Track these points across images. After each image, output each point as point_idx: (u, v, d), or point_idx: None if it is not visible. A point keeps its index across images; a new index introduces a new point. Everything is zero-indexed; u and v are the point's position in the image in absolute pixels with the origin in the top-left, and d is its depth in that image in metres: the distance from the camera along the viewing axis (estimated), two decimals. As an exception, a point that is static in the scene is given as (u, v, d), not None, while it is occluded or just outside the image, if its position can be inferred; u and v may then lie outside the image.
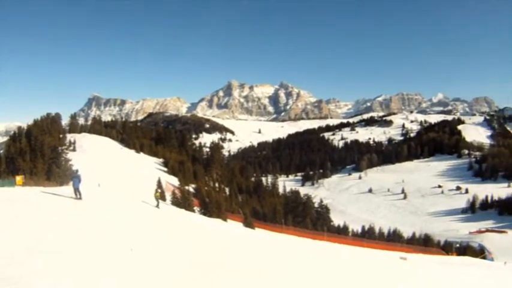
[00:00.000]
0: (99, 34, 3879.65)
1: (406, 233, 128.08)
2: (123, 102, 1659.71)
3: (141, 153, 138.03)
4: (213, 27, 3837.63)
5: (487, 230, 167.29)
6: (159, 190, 44.88)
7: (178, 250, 22.30)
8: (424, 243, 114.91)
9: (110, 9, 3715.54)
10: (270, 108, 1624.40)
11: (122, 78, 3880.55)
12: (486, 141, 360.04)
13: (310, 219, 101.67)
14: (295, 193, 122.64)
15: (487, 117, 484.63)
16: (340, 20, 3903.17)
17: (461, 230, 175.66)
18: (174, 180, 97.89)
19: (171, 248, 22.31)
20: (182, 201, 61.87)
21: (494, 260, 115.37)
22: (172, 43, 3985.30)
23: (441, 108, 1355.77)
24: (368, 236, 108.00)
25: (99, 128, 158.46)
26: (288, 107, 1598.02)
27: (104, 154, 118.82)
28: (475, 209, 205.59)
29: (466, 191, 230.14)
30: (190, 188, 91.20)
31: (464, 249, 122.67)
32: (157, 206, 41.89)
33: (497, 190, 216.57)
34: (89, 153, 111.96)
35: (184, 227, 36.82)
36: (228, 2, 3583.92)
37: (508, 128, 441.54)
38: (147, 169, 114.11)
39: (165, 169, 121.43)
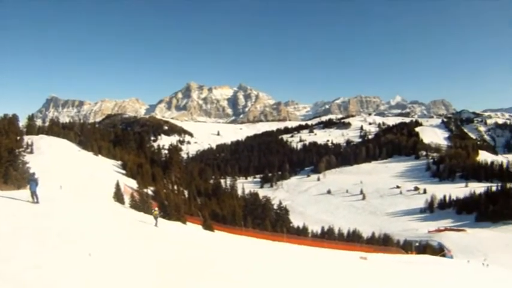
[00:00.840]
0: (56, 34, 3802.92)
1: (366, 233, 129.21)
2: (81, 104, 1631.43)
3: (100, 156, 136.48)
4: (171, 29, 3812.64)
5: (446, 229, 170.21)
6: (157, 209, 44.10)
7: (137, 254, 22.19)
8: (383, 243, 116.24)
9: (67, 9, 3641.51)
10: (229, 111, 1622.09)
11: (80, 79, 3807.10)
12: (443, 143, 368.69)
13: (269, 221, 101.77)
14: (254, 195, 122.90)
15: (445, 120, 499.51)
16: (297, 23, 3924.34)
17: (420, 229, 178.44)
18: (133, 183, 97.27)
19: (130, 252, 22.19)
20: (141, 204, 61.53)
21: (454, 257, 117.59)
22: (131, 44, 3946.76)
23: (399, 111, 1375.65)
24: (328, 237, 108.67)
25: (57, 129, 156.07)
26: (246, 109, 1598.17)
27: (62, 156, 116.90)
28: (434, 209, 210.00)
29: (424, 191, 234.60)
30: (149, 190, 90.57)
31: (424, 248, 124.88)
32: (155, 224, 41.10)
33: (455, 190, 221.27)
34: (47, 156, 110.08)
35: (143, 230, 36.65)
36: (187, 3, 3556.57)
37: (465, 130, 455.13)
38: (106, 172, 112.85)
39: (124, 171, 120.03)
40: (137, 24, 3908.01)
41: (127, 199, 64.85)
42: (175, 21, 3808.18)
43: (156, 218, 42.09)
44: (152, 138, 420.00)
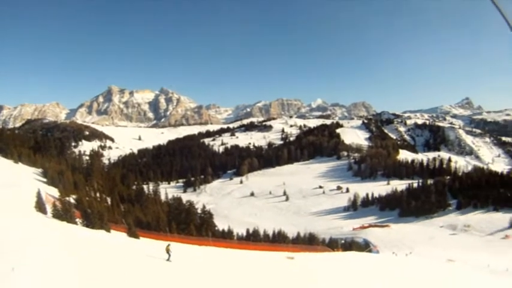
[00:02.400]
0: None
1: (291, 233, 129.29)
2: (0, 108, 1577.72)
3: (20, 163, 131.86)
4: (92, 31, 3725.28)
5: (370, 225, 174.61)
6: (170, 244, 41.56)
7: (62, 266, 21.10)
8: (309, 242, 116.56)
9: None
10: (150, 115, 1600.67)
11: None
12: (364, 143, 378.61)
13: (194, 226, 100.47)
14: (178, 200, 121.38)
15: (365, 121, 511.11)
16: (217, 26, 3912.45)
17: (345, 227, 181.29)
18: (54, 191, 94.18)
19: (55, 265, 21.05)
20: (63, 213, 59.45)
21: (380, 252, 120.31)
22: (51, 45, 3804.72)
23: (320, 113, 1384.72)
24: (253, 239, 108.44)
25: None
26: (168, 113, 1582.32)
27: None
28: (357, 207, 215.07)
29: (347, 190, 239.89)
30: (71, 198, 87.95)
31: (350, 245, 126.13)
32: (168, 259, 38.42)
33: (377, 188, 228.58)
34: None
35: (68, 240, 35.18)
36: (107, 5, 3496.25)
37: (386, 131, 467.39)
38: (26, 180, 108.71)
39: (45, 180, 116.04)
40: (57, 26, 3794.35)
41: (49, 208, 62.47)
42: (96, 24, 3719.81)
43: (168, 252, 38.90)
44: (73, 143, 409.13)
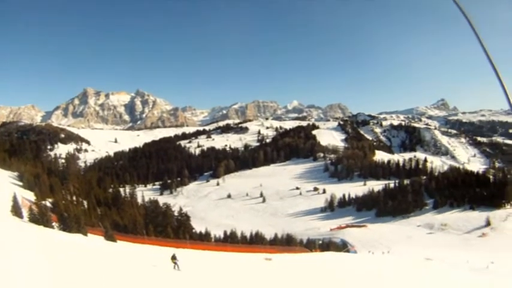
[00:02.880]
0: None
1: (268, 234, 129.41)
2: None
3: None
4: (66, 33, 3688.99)
5: (347, 226, 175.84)
6: (175, 254, 40.34)
7: (39, 271, 20.66)
8: (287, 243, 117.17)
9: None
10: (126, 117, 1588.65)
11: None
12: (341, 145, 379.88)
13: (171, 228, 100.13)
14: (154, 203, 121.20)
15: (341, 122, 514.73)
16: (192, 28, 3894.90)
17: (322, 227, 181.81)
18: (31, 195, 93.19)
19: (32, 269, 20.62)
20: (40, 217, 58.75)
21: (358, 252, 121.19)
22: (26, 47, 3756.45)
23: (296, 115, 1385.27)
24: (231, 240, 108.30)
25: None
26: (144, 115, 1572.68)
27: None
28: (334, 207, 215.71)
29: (324, 191, 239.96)
30: (48, 202, 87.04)
31: (328, 246, 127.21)
32: (175, 268, 37.19)
33: (354, 189, 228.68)
34: None
35: (45, 245, 34.66)
36: (81, 7, 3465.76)
37: (362, 132, 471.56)
38: (1, 184, 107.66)
39: (21, 183, 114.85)
40: (31, 28, 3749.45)
41: (25, 212, 61.75)
42: (71, 25, 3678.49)
43: (174, 263, 37.78)
44: (49, 146, 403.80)
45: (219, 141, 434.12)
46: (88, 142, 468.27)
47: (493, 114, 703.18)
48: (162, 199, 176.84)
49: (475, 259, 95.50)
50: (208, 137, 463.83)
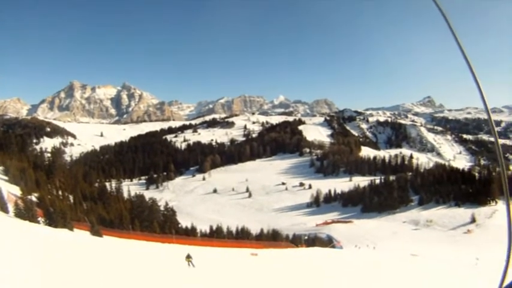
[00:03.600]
0: None
1: (254, 229, 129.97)
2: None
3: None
4: (53, 25, 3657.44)
5: (333, 221, 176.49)
6: (189, 253, 40.25)
7: (25, 266, 20.58)
8: (273, 238, 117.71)
9: None
10: (112, 111, 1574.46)
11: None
12: (327, 140, 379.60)
13: (157, 223, 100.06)
14: (140, 197, 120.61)
15: (327, 118, 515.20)
16: (179, 21, 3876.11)
17: (308, 223, 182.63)
18: (16, 190, 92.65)
19: (18, 265, 20.51)
20: (26, 212, 58.46)
21: (343, 247, 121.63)
22: (11, 39, 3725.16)
23: (282, 110, 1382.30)
24: (217, 236, 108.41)
25: None
26: (130, 109, 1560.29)
27: None
28: (320, 203, 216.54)
29: (310, 187, 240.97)
30: (33, 197, 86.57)
31: (313, 241, 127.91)
32: (190, 265, 37.63)
33: (339, 184, 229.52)
34: None
35: (31, 241, 34.50)
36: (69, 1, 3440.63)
37: (348, 128, 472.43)
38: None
39: (6, 178, 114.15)
40: (17, 20, 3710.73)
41: (11, 207, 61.43)
42: (57, 17, 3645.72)
43: (189, 262, 38.19)
44: (35, 140, 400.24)
45: (205, 136, 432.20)
46: (74, 136, 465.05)
47: (478, 112, 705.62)
48: (148, 194, 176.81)
49: (460, 255, 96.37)
50: (195, 131, 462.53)
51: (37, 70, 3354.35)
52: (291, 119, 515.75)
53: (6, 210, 58.24)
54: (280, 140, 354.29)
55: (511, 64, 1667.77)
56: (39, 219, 59.45)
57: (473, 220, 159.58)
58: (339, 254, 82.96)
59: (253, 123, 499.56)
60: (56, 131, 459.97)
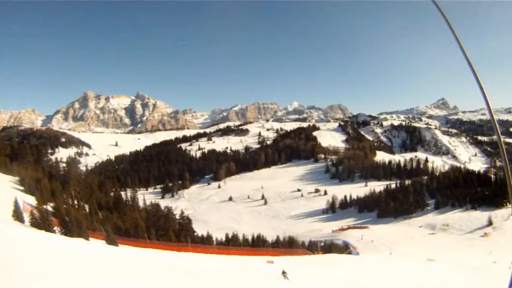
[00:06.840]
0: None
1: (270, 237, 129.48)
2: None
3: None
4: (67, 36, 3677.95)
5: (349, 227, 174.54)
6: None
7: (43, 278, 20.53)
8: (289, 245, 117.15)
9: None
10: (127, 120, 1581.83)
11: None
12: (341, 145, 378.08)
13: (173, 232, 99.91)
14: (156, 206, 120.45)
15: (342, 123, 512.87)
16: (191, 31, 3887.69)
17: (324, 229, 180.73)
18: (32, 200, 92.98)
19: (36, 276, 20.46)
20: (41, 222, 58.56)
21: (360, 253, 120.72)
22: (25, 52, 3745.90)
23: (297, 116, 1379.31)
24: (233, 243, 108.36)
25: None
26: (144, 118, 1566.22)
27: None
28: (335, 209, 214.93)
29: (325, 193, 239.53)
30: (49, 206, 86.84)
31: (330, 247, 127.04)
32: (285, 277, 40.13)
33: (355, 190, 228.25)
34: None
35: (48, 250, 34.51)
36: (80, 10, 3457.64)
37: (362, 132, 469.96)
38: (3, 189, 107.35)
39: (22, 188, 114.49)
40: (32, 31, 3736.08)
41: (26, 217, 61.56)
42: (71, 29, 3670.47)
43: (284, 274, 40.78)
44: (50, 151, 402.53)
45: (220, 144, 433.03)
46: (89, 146, 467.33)
47: (493, 113, 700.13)
48: (164, 202, 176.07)
49: (477, 259, 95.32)
50: (209, 139, 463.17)
51: (51, 81, 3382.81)
52: (305, 125, 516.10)
53: (22, 220, 58.37)
54: (294, 147, 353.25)
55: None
56: (55, 228, 59.56)
57: (490, 223, 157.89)
58: (356, 261, 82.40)
59: (268, 130, 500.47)
60: (71, 141, 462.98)
